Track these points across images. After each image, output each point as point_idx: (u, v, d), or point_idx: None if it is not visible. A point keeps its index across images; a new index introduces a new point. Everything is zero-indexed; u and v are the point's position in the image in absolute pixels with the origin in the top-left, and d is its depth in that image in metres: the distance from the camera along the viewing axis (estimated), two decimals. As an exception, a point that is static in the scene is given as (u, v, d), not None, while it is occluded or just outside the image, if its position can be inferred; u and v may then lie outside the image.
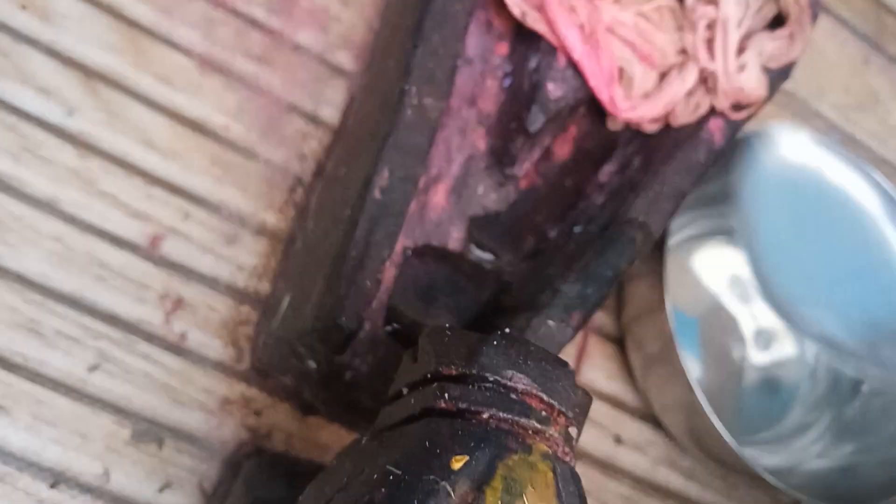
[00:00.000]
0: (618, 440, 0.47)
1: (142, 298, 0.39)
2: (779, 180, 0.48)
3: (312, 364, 0.34)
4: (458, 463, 0.21)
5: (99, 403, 0.37)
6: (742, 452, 0.40)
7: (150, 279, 0.39)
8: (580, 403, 0.24)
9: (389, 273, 0.34)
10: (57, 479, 0.35)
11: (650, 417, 0.48)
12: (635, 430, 0.47)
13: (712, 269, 0.52)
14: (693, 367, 0.49)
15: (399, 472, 0.21)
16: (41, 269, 0.37)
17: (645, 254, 0.36)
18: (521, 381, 0.23)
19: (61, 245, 0.38)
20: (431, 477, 0.20)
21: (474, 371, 0.23)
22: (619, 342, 0.48)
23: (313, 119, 0.44)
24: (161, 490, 0.37)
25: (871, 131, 0.63)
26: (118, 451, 0.37)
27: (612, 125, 0.41)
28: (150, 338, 0.38)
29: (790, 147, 0.48)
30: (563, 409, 0.23)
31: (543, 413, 0.23)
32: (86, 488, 0.36)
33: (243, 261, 0.41)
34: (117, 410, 0.37)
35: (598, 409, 0.47)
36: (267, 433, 0.39)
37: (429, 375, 0.23)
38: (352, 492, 0.21)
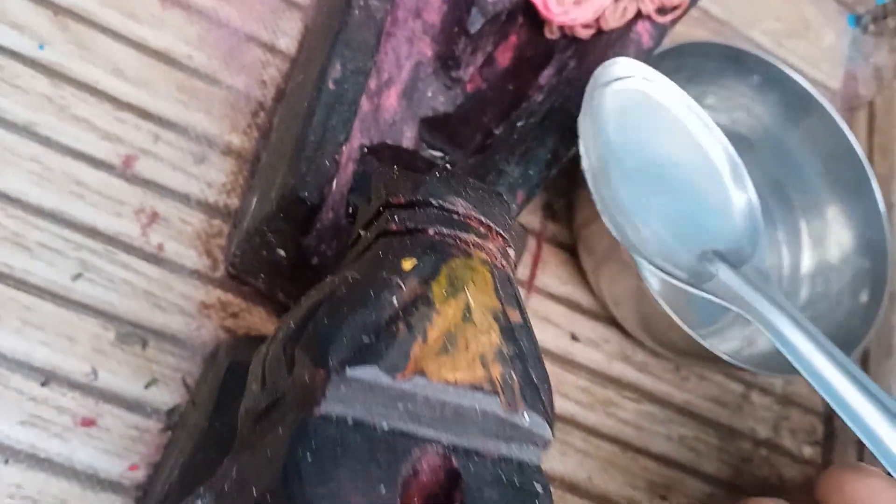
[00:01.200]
0: (574, 338, 0.50)
1: (119, 213, 0.41)
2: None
3: (281, 252, 0.36)
4: (407, 264, 0.24)
5: (84, 309, 0.39)
6: (691, 332, 0.44)
7: (125, 196, 0.42)
8: (517, 231, 0.27)
9: (347, 168, 0.37)
10: (47, 377, 0.38)
11: (604, 318, 0.51)
12: (590, 328, 0.51)
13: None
14: (641, 263, 0.53)
15: (357, 276, 0.24)
16: (22, 188, 0.40)
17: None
18: (461, 206, 0.26)
19: (40, 165, 0.40)
20: (384, 274, 0.23)
21: (420, 198, 0.26)
22: (572, 250, 0.52)
23: (271, 49, 0.47)
24: (147, 386, 0.39)
25: (803, 56, 0.67)
26: (104, 351, 0.39)
27: (550, 34, 0.44)
28: (129, 249, 0.41)
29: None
30: (500, 231, 0.26)
31: (482, 230, 0.26)
32: (75, 385, 0.38)
33: (212, 178, 0.44)
34: (101, 315, 0.40)
35: (554, 310, 0.50)
36: (244, 335, 0.42)
37: (381, 209, 0.26)
38: (316, 297, 0.24)
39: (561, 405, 0.49)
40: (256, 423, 0.24)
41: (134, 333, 0.40)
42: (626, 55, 0.42)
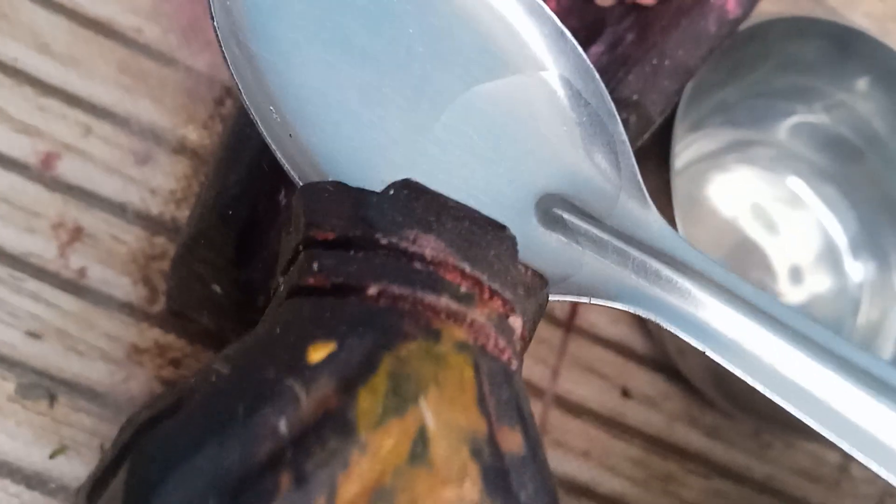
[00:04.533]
0: (625, 393, 0.39)
1: (31, 227, 0.32)
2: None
3: (217, 288, 0.27)
4: (317, 353, 0.13)
5: (-25, 353, 0.30)
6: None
7: (41, 205, 0.32)
8: (527, 285, 0.17)
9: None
10: (-80, 444, 0.29)
11: (664, 366, 0.40)
12: (646, 381, 0.40)
13: (730, 195, 0.44)
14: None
15: (224, 371, 0.13)
16: None
17: (642, 140, 0.29)
18: (429, 245, 0.15)
19: (-70, 165, 0.31)
20: (271, 373, 0.13)
21: (359, 232, 0.15)
22: (624, 280, 0.41)
23: (247, 21, 0.37)
24: (53, 455, 0.30)
25: (913, 41, 0.55)
26: (0, 408, 0.30)
27: (601, 0, 0.33)
28: (41, 274, 0.32)
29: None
30: (496, 288, 0.16)
31: (463, 289, 0.15)
32: (-44, 455, 0.29)
33: (158, 184, 0.34)
34: (-2, 361, 0.30)
35: (601, 357, 0.39)
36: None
37: (300, 247, 0.16)
38: (158, 404, 0.14)
39: (607, 482, 0.38)
40: None
41: (39, 385, 0.31)
42: (705, 25, 0.31)
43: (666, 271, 0.19)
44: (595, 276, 0.19)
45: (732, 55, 0.36)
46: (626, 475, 0.38)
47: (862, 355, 0.18)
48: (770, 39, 0.39)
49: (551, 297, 0.18)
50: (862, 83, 0.41)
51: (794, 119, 0.43)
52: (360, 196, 0.16)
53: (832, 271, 0.44)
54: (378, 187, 0.17)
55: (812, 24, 0.39)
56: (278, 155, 0.17)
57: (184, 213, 0.34)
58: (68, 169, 0.33)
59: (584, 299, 0.19)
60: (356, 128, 0.19)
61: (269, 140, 0.17)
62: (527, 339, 0.17)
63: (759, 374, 0.18)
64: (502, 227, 0.16)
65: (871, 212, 0.43)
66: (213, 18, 0.18)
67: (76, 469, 0.30)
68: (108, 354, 0.32)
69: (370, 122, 0.19)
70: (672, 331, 0.18)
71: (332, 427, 0.13)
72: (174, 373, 0.32)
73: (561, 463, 0.38)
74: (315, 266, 0.15)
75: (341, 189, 0.16)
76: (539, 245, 0.19)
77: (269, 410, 0.12)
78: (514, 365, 0.16)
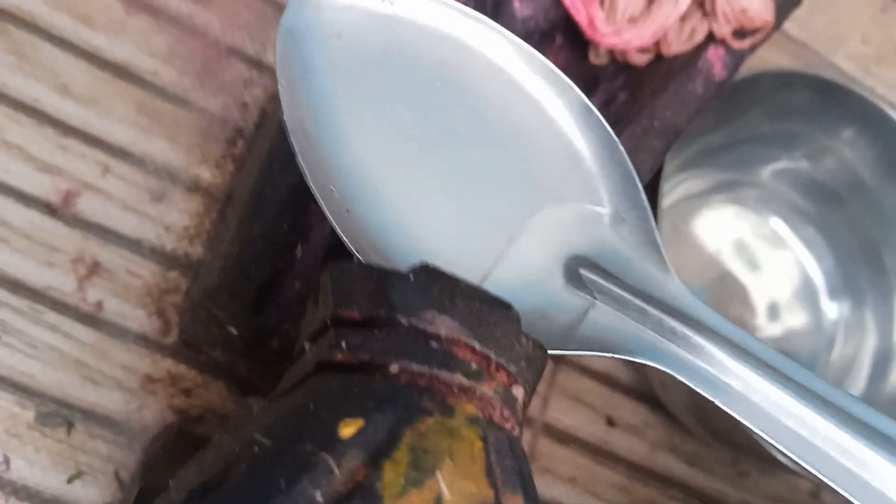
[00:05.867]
0: (610, 422, 0.41)
1: (51, 262, 0.34)
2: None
3: (233, 330, 0.28)
4: (348, 428, 0.15)
5: (-3, 382, 0.32)
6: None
7: (61, 241, 0.34)
8: (529, 357, 0.19)
9: (323, 226, 0.29)
10: (-55, 469, 0.31)
11: (647, 397, 0.42)
12: (630, 410, 0.42)
13: (715, 232, 0.46)
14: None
15: (266, 442, 0.15)
16: (-68, 229, 0.32)
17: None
18: (444, 325, 0.17)
19: (-43, 202, 0.33)
20: (308, 447, 0.15)
21: (382, 313, 0.17)
22: (611, 314, 0.43)
23: (257, 64, 0.39)
24: (70, 480, 0.32)
25: (892, 84, 0.57)
26: (20, 435, 0.32)
27: (595, 58, 0.35)
28: (60, 307, 0.33)
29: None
30: (502, 362, 0.18)
31: (474, 366, 0.17)
32: (-21, 480, 0.31)
33: (172, 221, 0.36)
34: (19, 389, 0.32)
35: (586, 387, 0.42)
36: (198, 416, 0.34)
37: (328, 322, 0.18)
38: (206, 469, 0.16)
39: (590, 508, 0.40)
40: None
41: (58, 413, 0.32)
42: (693, 87, 0.33)
43: (681, 329, 0.21)
44: (615, 333, 0.21)
45: (721, 103, 0.38)
46: (610, 501, 0.40)
47: (864, 409, 0.20)
48: (757, 90, 0.41)
49: (575, 353, 0.20)
50: (846, 133, 0.43)
51: (778, 164, 0.45)
52: (382, 278, 0.18)
53: (809, 309, 0.47)
54: (423, 255, 0.19)
55: (799, 78, 0.42)
56: (338, 230, 0.19)
57: (196, 249, 0.36)
58: (87, 206, 0.35)
59: (605, 354, 0.21)
60: (404, 202, 0.21)
61: (329, 216, 0.19)
62: (527, 404, 0.19)
63: (765, 424, 0.20)
64: (508, 307, 0.18)
65: (848, 253, 0.45)
66: (282, 113, 0.20)
67: (91, 494, 0.32)
68: (124, 384, 0.33)
69: (416, 198, 0.21)
70: (686, 383, 0.20)
71: (361, 498, 0.14)
72: (185, 402, 0.34)
73: (548, 489, 0.40)
74: (343, 344, 0.17)
75: (365, 270, 0.18)
76: (564, 302, 0.21)
77: (307, 482, 0.14)
78: (517, 431, 0.18)
